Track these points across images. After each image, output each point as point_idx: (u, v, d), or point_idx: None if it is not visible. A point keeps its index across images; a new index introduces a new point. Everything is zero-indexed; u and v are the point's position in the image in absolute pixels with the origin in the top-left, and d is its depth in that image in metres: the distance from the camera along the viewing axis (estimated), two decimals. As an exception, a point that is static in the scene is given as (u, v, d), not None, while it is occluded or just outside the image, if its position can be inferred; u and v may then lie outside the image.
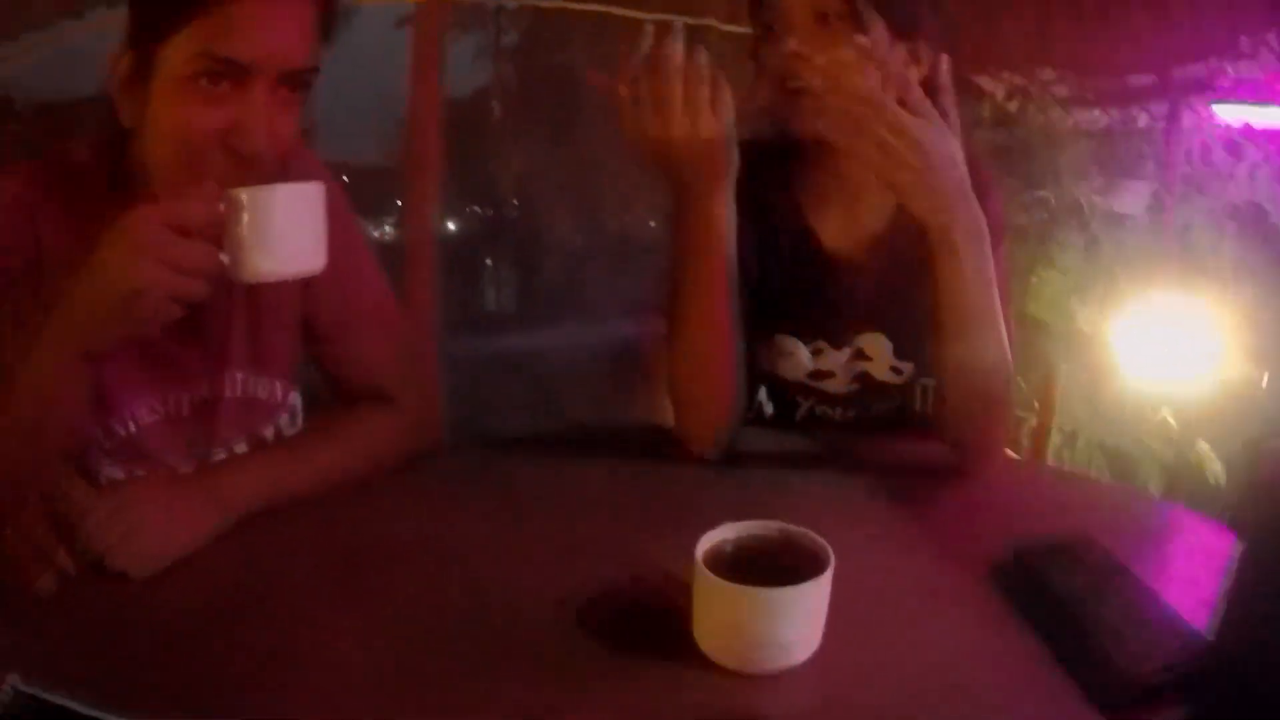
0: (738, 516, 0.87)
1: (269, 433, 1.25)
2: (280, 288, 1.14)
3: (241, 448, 1.22)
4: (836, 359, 1.38)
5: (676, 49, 1.06)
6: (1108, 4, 3.17)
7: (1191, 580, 0.97)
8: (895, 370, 1.37)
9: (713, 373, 1.23)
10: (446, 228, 3.56)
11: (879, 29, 1.19)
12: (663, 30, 1.07)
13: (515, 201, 3.72)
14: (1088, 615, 0.86)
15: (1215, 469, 3.18)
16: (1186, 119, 3.49)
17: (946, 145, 1.07)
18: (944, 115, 1.09)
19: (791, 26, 1.22)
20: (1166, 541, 1.13)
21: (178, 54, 0.96)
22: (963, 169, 1.08)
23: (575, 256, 3.61)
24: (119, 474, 1.13)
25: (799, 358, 1.38)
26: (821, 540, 0.83)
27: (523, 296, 3.87)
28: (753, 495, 1.15)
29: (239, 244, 0.93)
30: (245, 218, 0.93)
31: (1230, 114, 3.52)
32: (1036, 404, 2.73)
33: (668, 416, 1.29)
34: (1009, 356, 1.18)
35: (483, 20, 3.64)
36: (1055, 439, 2.94)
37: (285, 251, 0.97)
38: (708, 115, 1.08)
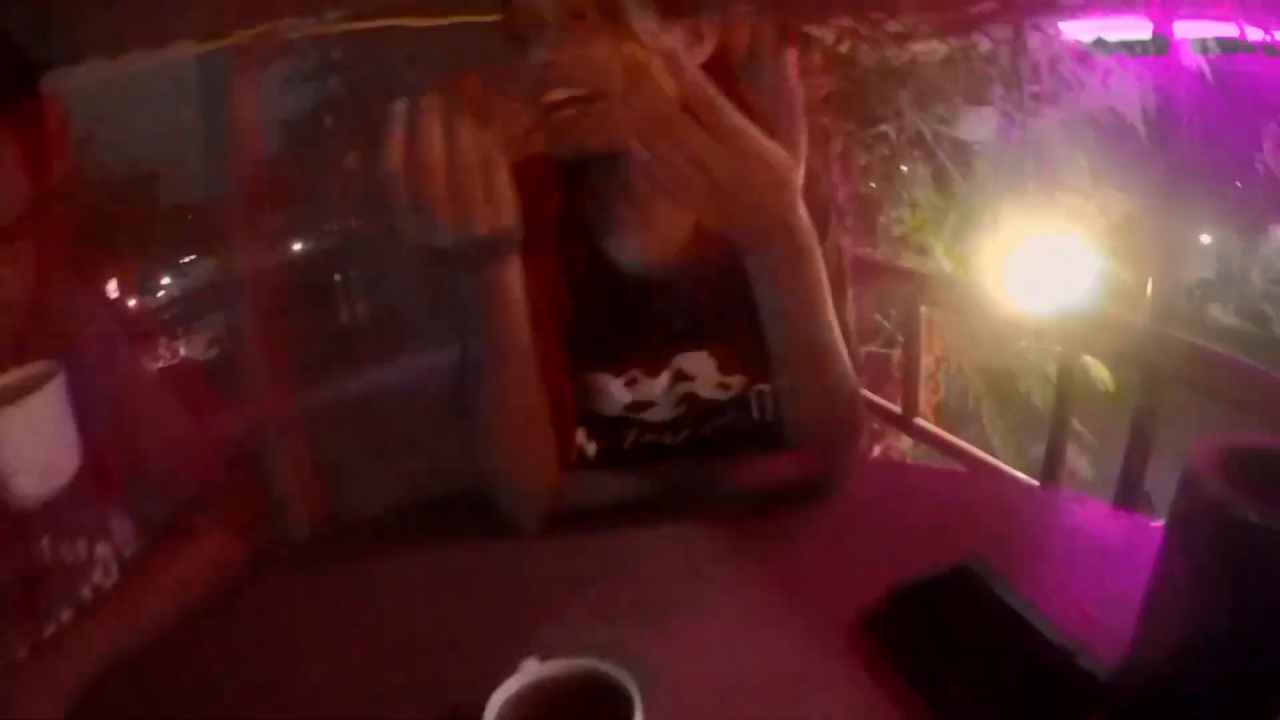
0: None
1: (86, 592, 1.18)
2: None
3: (66, 615, 1.15)
4: (654, 387, 1.22)
5: (436, 143, 0.85)
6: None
7: (1083, 576, 0.92)
8: (723, 386, 1.22)
9: (527, 446, 1.07)
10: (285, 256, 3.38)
11: (646, 19, 1.06)
12: (423, 115, 0.85)
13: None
14: (980, 672, 0.79)
15: (1103, 376, 3.17)
16: (1034, 39, 3.43)
17: (753, 157, 0.86)
18: (787, 111, 0.90)
19: (544, 29, 1.03)
20: (1050, 533, 1.06)
21: None
22: (777, 173, 0.87)
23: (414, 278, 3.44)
24: None
25: (610, 393, 1.22)
26: (626, 684, 0.68)
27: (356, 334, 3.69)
28: (584, 570, 1.00)
29: None
30: None
31: (1079, 30, 3.47)
32: (901, 338, 2.61)
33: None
34: (851, 376, 1.04)
35: (298, 44, 3.51)
36: (927, 361, 2.88)
37: (39, 469, 1.02)
38: (483, 213, 0.88)
